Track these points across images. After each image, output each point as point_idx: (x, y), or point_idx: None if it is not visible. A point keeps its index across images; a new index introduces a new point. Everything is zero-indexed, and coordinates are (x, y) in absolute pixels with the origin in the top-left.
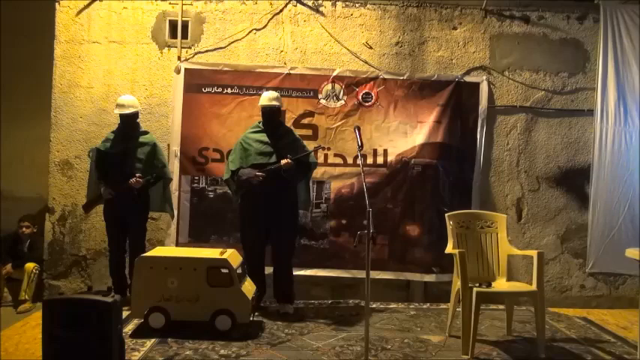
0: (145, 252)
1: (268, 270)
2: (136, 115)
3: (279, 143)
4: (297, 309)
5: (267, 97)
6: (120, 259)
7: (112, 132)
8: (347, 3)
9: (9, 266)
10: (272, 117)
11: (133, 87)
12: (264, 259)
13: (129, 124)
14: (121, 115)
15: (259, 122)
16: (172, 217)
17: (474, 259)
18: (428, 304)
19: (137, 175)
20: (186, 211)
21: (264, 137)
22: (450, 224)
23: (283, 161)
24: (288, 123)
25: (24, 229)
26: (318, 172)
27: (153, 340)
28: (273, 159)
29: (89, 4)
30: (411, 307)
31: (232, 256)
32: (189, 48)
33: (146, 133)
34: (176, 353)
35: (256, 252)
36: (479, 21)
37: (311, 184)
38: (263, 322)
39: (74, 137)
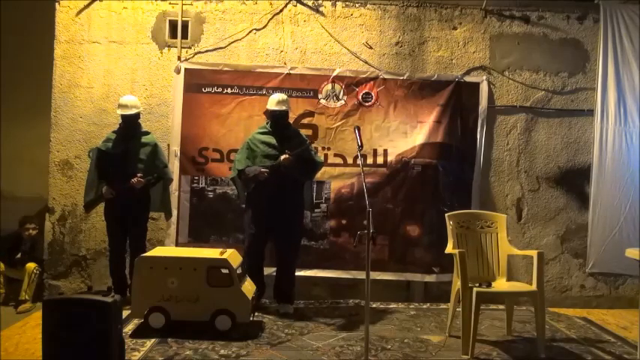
0: (145, 252)
1: (268, 270)
2: (138, 115)
3: (286, 146)
4: (297, 309)
5: (275, 101)
6: (120, 259)
7: (113, 132)
8: (347, 3)
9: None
10: (280, 121)
11: (133, 87)
12: (264, 259)
13: (131, 124)
14: (124, 116)
15: (267, 123)
16: (167, 218)
17: (474, 259)
18: (428, 304)
19: (138, 175)
20: (186, 211)
21: (271, 139)
22: (450, 224)
23: (282, 156)
24: None
25: (30, 230)
26: (318, 172)
27: (153, 340)
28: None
29: (89, 4)
30: (411, 307)
31: (232, 256)
32: (189, 48)
33: (147, 133)
34: (176, 353)
35: (256, 250)
36: (479, 21)
37: (314, 185)
38: (263, 322)
39: (74, 137)
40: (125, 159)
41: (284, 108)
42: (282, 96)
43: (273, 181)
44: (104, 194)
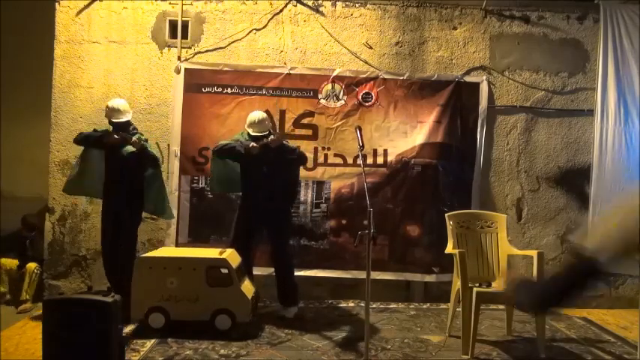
0: (133, 254)
1: (268, 271)
2: (129, 122)
3: (268, 154)
4: (297, 309)
5: (254, 122)
6: (114, 261)
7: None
8: (347, 3)
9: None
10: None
11: (133, 87)
12: (251, 259)
13: (122, 129)
14: (115, 123)
15: (249, 138)
16: (168, 218)
17: (474, 259)
18: (428, 304)
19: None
20: (185, 211)
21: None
22: (450, 224)
23: (270, 137)
24: (288, 123)
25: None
26: (318, 172)
27: (153, 340)
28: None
29: (89, 4)
30: (411, 307)
31: (231, 256)
32: (189, 48)
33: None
34: (176, 353)
35: (239, 250)
36: (479, 21)
37: (311, 183)
38: (262, 322)
39: (74, 137)
40: (115, 151)
41: (263, 132)
42: (258, 116)
43: (260, 179)
44: (106, 139)
